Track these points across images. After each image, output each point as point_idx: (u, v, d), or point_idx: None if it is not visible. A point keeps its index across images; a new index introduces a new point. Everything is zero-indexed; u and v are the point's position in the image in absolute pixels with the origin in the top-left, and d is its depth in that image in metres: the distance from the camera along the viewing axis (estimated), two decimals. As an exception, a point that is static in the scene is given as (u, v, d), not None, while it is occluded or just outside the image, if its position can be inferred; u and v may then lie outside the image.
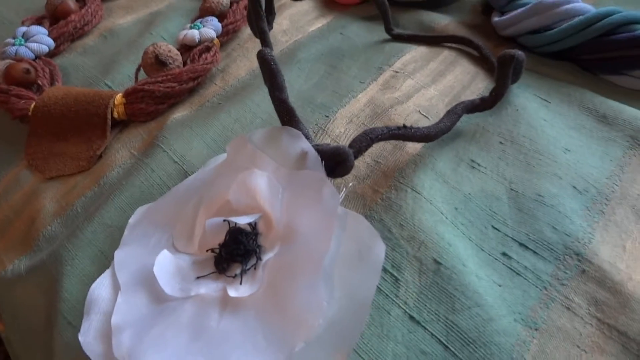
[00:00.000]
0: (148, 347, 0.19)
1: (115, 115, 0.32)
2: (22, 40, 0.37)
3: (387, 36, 0.37)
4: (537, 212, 0.23)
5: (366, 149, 0.23)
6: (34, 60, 0.37)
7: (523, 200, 0.23)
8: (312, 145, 0.22)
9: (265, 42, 0.26)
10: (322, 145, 0.22)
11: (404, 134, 0.24)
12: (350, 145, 0.23)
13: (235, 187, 0.23)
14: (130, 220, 0.24)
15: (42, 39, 0.38)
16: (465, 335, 0.19)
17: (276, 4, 0.42)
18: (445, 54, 0.34)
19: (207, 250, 0.22)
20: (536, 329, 0.19)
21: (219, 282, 0.21)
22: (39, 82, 0.35)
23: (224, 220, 0.22)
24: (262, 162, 0.23)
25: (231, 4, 0.40)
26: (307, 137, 0.23)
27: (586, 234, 0.22)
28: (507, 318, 0.20)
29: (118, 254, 0.22)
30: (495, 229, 0.23)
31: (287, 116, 0.24)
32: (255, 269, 0.20)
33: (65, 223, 0.28)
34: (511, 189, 0.24)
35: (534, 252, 0.21)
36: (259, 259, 0.21)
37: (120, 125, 0.33)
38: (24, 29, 0.38)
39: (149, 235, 0.23)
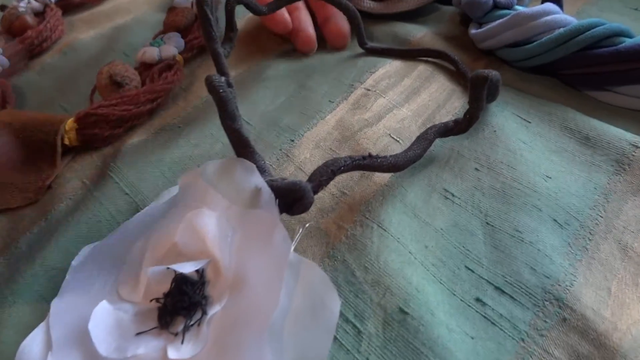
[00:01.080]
0: None
1: (67, 141, 0.29)
2: (-27, 60, 0.35)
3: (361, 50, 0.35)
4: (514, 250, 0.21)
5: (327, 183, 0.21)
6: (-16, 81, 0.35)
7: (500, 236, 0.21)
8: (267, 181, 0.20)
9: (218, 64, 0.24)
10: (277, 181, 0.20)
11: (369, 164, 0.22)
12: (310, 179, 0.21)
13: (182, 228, 0.20)
14: (73, 262, 0.22)
15: (-6, 58, 0.36)
16: (433, 396, 0.17)
17: (247, 17, 0.40)
18: (421, 69, 0.32)
19: (151, 300, 0.20)
20: (512, 389, 0.17)
21: (160, 339, 0.19)
22: (-11, 105, 0.33)
23: (168, 268, 0.20)
24: (213, 200, 0.21)
25: (196, 18, 0.38)
26: (263, 170, 0.21)
27: (568, 275, 0.20)
28: (479, 376, 0.18)
29: (55, 304, 0.20)
30: (469, 269, 0.20)
31: (240, 147, 0.22)
32: (199, 324, 0.18)
33: (8, 264, 0.26)
34: (487, 223, 0.22)
35: (511, 297, 0.19)
36: (204, 312, 0.19)
37: (72, 152, 0.30)
38: (-25, 47, 0.36)
39: (92, 280, 0.21)
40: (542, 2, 0.32)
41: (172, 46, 0.34)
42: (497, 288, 0.20)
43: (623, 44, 0.26)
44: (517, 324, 0.19)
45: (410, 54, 0.33)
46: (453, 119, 0.25)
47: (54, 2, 0.42)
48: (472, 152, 0.25)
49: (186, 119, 0.31)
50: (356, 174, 0.25)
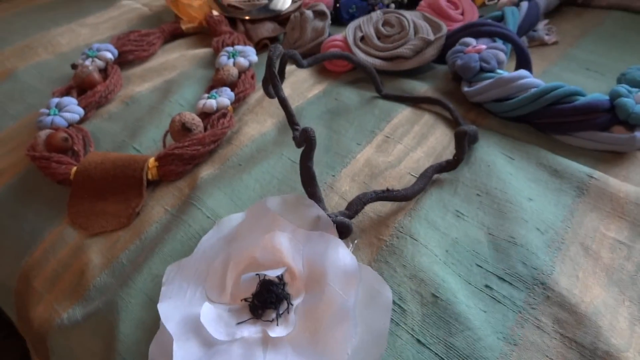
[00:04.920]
0: None
1: (150, 176, 0.37)
2: (56, 110, 0.42)
3: (374, 98, 0.44)
4: (510, 251, 0.29)
5: (360, 211, 0.30)
6: (67, 127, 0.42)
7: (499, 242, 0.29)
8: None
9: (287, 108, 0.32)
10: (332, 216, 0.28)
11: (387, 196, 0.31)
12: (348, 208, 0.29)
13: (261, 246, 0.27)
14: (164, 278, 0.28)
15: (73, 109, 0.43)
16: (460, 352, 0.25)
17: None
18: (426, 118, 0.41)
19: (241, 300, 0.27)
20: (515, 344, 0.25)
21: (257, 325, 0.25)
22: (75, 148, 0.40)
23: (256, 274, 0.27)
24: (281, 225, 0.28)
25: (239, 74, 0.46)
26: (320, 201, 0.29)
27: (548, 267, 0.28)
28: (491, 337, 0.25)
29: (162, 307, 0.26)
30: (479, 266, 0.28)
31: (309, 182, 0.29)
32: (287, 312, 0.25)
33: (113, 274, 0.32)
34: (489, 234, 0.30)
35: (510, 283, 0.27)
36: (290, 304, 0.26)
37: (152, 185, 0.37)
38: (56, 100, 0.43)
39: (183, 290, 0.27)
40: (516, 68, 0.42)
41: (226, 98, 0.42)
42: (499, 278, 0.28)
43: (579, 101, 0.35)
44: (515, 301, 0.27)
45: (416, 100, 0.42)
46: (446, 160, 0.34)
47: (113, 60, 0.49)
48: (473, 182, 0.34)
49: (243, 158, 0.39)
50: (385, 202, 0.33)
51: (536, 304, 0.26)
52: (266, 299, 0.26)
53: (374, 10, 0.58)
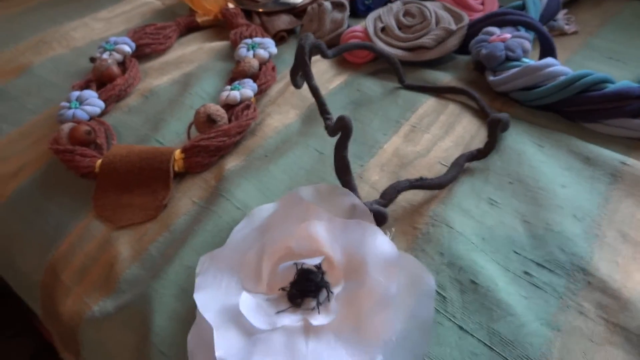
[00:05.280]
0: None
1: (176, 168, 0.36)
2: (77, 103, 0.42)
3: (396, 89, 0.43)
4: (547, 238, 0.29)
5: (394, 199, 0.30)
6: (88, 120, 0.41)
7: (535, 229, 0.29)
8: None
9: (318, 97, 0.32)
10: (367, 205, 0.28)
11: (421, 184, 0.30)
12: (382, 196, 0.29)
13: (297, 235, 0.27)
14: (197, 269, 0.27)
15: (94, 102, 0.42)
16: (504, 338, 0.25)
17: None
18: (451, 107, 0.40)
19: (278, 290, 0.26)
20: (558, 330, 0.25)
21: (298, 314, 0.25)
22: (98, 141, 0.40)
23: (294, 263, 0.26)
24: (316, 214, 0.27)
25: (260, 66, 0.46)
26: (355, 190, 0.29)
27: (587, 253, 0.28)
28: (535, 323, 0.25)
29: (198, 298, 0.26)
30: (517, 253, 0.28)
31: (344, 171, 0.29)
32: (328, 301, 0.25)
33: (143, 266, 0.32)
34: (525, 221, 0.30)
35: (550, 270, 0.27)
36: (330, 292, 0.25)
37: (177, 177, 0.37)
38: (77, 93, 0.43)
39: (218, 280, 0.27)
40: (541, 57, 0.41)
41: (249, 90, 0.42)
42: (538, 264, 0.28)
43: (608, 89, 0.35)
44: (556, 287, 0.26)
45: (440, 90, 0.42)
46: (476, 148, 0.34)
47: (130, 54, 0.49)
48: (505, 170, 0.33)
49: (268, 149, 0.38)
50: (418, 191, 0.33)
51: (577, 290, 0.26)
52: (305, 288, 0.25)
53: (390, 1, 0.57)
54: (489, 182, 0.33)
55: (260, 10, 0.55)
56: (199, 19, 0.56)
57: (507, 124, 0.33)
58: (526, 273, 0.27)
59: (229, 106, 0.41)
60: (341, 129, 0.28)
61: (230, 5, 0.55)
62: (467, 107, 0.41)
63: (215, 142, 0.37)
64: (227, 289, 0.27)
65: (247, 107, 0.41)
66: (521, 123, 0.38)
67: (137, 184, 0.36)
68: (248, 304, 0.26)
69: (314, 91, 0.33)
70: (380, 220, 0.28)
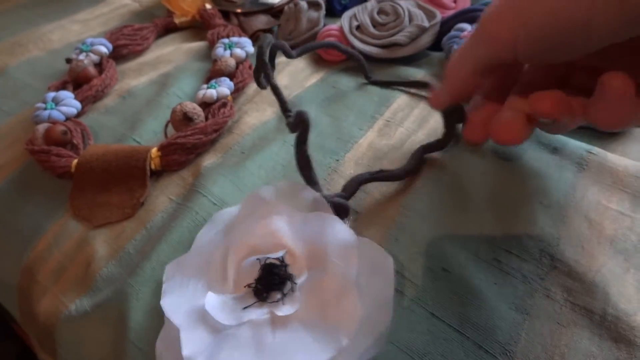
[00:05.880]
0: None
1: (153, 166, 0.36)
2: (53, 104, 0.42)
3: (371, 85, 0.44)
4: (516, 225, 0.29)
5: (356, 191, 0.31)
6: (64, 121, 0.41)
7: (504, 216, 0.30)
8: (323, 196, 0.28)
9: (279, 96, 0.33)
10: (328, 197, 0.28)
11: (381, 176, 0.32)
12: (343, 189, 0.30)
13: (259, 232, 0.27)
14: (164, 277, 0.28)
15: (70, 102, 0.42)
16: (475, 323, 0.25)
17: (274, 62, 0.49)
18: (425, 103, 0.41)
19: (244, 287, 0.26)
20: (527, 313, 0.26)
21: (264, 308, 0.25)
22: (74, 141, 0.40)
23: (257, 259, 0.27)
24: (278, 209, 0.28)
25: (237, 65, 0.46)
26: (316, 184, 0.29)
27: (554, 239, 0.28)
28: (504, 307, 0.26)
29: (165, 303, 0.26)
30: (487, 241, 0.29)
31: (305, 165, 0.29)
32: (292, 291, 0.25)
33: (120, 264, 0.32)
34: (495, 210, 0.31)
35: (518, 256, 0.28)
36: (294, 283, 0.26)
37: (155, 175, 0.37)
38: (52, 94, 0.43)
39: (184, 286, 0.27)
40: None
41: (226, 88, 0.42)
42: (507, 251, 0.28)
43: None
44: (525, 273, 0.27)
45: (406, 84, 0.42)
46: (435, 139, 0.34)
47: (107, 55, 0.49)
48: (474, 162, 0.34)
49: (245, 146, 0.39)
50: (390, 183, 0.33)
51: (545, 275, 0.27)
52: (270, 282, 0.26)
53: (366, 0, 0.58)
54: (457, 173, 0.33)
55: (238, 10, 0.56)
56: (177, 20, 0.56)
57: (462, 114, 0.33)
58: (495, 259, 0.28)
59: (205, 104, 0.41)
60: (300, 124, 0.28)
61: (208, 6, 0.56)
62: (441, 102, 0.41)
63: (191, 140, 0.37)
64: (193, 292, 0.27)
65: (224, 105, 0.41)
66: (492, 116, 0.39)
67: (114, 183, 0.36)
68: (213, 302, 0.25)
69: (275, 90, 0.33)
70: (342, 212, 0.28)
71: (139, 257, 0.32)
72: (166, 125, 0.39)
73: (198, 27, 0.57)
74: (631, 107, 0.23)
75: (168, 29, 0.57)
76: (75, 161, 0.37)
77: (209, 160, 0.38)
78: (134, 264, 0.31)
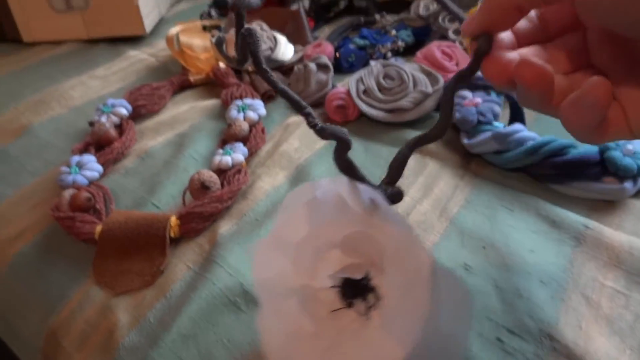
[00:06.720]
0: None
1: (172, 234, 0.39)
2: (77, 168, 0.44)
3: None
4: (517, 304, 0.31)
5: (403, 170, 0.30)
6: (88, 185, 0.44)
7: (506, 295, 0.32)
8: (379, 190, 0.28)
9: (288, 97, 0.29)
10: (381, 190, 0.28)
11: (423, 140, 0.31)
12: (388, 175, 0.30)
13: (348, 241, 0.27)
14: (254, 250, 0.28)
15: (93, 167, 0.45)
16: (478, 404, 0.27)
17: (285, 123, 0.51)
18: (430, 169, 0.43)
19: (329, 287, 0.27)
20: (527, 395, 0.27)
21: (349, 312, 0.27)
22: (97, 206, 0.42)
23: (340, 274, 0.27)
24: (368, 222, 0.27)
25: (250, 128, 0.48)
26: (364, 181, 0.28)
27: (553, 319, 0.30)
28: (506, 389, 0.27)
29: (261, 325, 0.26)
30: (490, 319, 0.31)
31: (348, 167, 0.29)
32: (374, 304, 0.26)
33: (141, 333, 0.34)
34: (496, 286, 0.32)
35: (519, 336, 0.30)
36: (376, 296, 0.26)
37: (173, 242, 0.39)
38: (77, 158, 0.45)
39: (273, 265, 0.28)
40: (510, 119, 0.45)
41: (240, 154, 0.44)
42: (509, 330, 0.30)
43: (571, 154, 0.38)
44: (526, 353, 0.29)
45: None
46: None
47: (127, 116, 0.52)
48: (478, 234, 0.36)
49: (259, 213, 0.41)
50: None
51: (545, 356, 0.29)
52: (352, 294, 0.27)
53: (371, 58, 0.61)
54: (463, 247, 0.35)
55: (250, 69, 0.58)
56: (192, 78, 0.59)
57: (489, 43, 0.27)
58: (498, 339, 0.30)
59: (221, 171, 0.44)
60: (331, 137, 0.29)
61: (222, 65, 0.58)
62: (445, 165, 0.44)
63: (209, 209, 0.39)
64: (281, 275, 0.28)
65: (239, 171, 0.43)
66: (493, 187, 0.41)
67: (135, 250, 0.38)
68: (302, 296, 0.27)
69: (283, 93, 0.30)
70: (397, 199, 0.29)
71: (159, 327, 0.33)
72: (184, 193, 0.42)
73: (211, 84, 0.60)
74: (599, 116, 0.23)
75: (183, 86, 0.59)
76: (98, 227, 0.39)
77: (224, 227, 0.40)
78: (154, 334, 0.33)
